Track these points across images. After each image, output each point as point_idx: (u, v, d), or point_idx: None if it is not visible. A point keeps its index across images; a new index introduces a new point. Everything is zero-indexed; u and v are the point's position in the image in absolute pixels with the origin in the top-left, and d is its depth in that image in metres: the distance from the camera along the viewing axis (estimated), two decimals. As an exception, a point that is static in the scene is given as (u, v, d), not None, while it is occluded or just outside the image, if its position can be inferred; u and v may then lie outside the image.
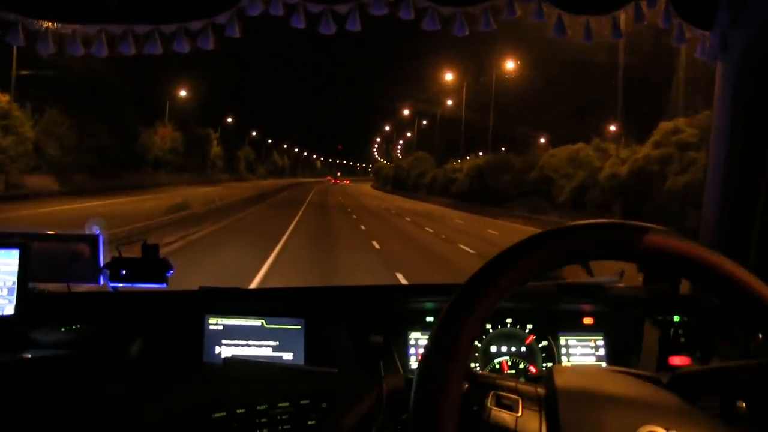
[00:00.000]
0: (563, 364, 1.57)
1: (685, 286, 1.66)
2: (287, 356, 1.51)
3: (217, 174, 58.86)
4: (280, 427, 1.25)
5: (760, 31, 1.51)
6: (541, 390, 0.86)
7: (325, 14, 1.41)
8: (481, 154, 42.22)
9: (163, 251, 1.62)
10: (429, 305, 1.59)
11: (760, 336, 1.40)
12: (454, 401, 0.75)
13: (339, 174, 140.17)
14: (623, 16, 1.54)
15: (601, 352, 1.60)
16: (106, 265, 1.56)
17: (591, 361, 1.59)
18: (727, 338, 1.53)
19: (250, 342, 1.51)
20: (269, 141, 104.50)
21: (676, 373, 1.01)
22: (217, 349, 1.50)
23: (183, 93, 48.28)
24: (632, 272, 1.56)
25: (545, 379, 0.88)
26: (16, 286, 1.34)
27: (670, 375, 1.00)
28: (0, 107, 23.97)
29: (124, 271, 1.55)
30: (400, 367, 1.50)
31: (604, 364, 1.59)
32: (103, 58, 1.38)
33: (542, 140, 37.12)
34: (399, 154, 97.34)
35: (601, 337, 1.61)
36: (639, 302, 1.61)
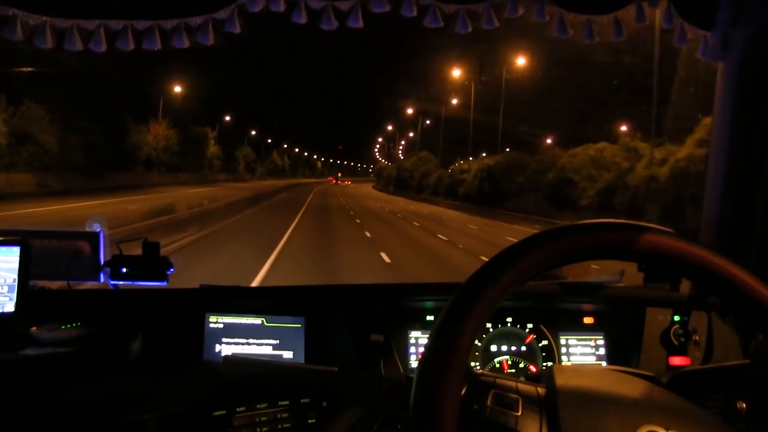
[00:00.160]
0: (563, 363, 1.57)
1: (685, 286, 1.66)
2: (287, 355, 1.51)
3: (215, 174, 57.03)
4: (280, 426, 1.25)
5: (760, 30, 1.51)
6: (541, 389, 0.86)
7: (326, 10, 1.41)
8: (484, 155, 41.53)
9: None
10: (429, 304, 1.59)
11: (760, 336, 1.40)
12: (454, 400, 0.75)
13: (339, 174, 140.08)
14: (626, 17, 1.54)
15: (602, 351, 1.60)
16: (106, 263, 1.55)
17: (591, 360, 1.59)
18: (727, 338, 1.52)
19: (251, 340, 1.51)
20: (269, 141, 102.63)
21: (676, 373, 1.01)
22: (218, 348, 1.50)
23: (177, 89, 45.74)
24: (633, 272, 1.55)
25: (545, 378, 0.88)
26: (16, 284, 1.34)
27: (670, 375, 1.00)
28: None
29: (124, 269, 1.55)
30: (400, 366, 1.50)
31: (604, 364, 1.59)
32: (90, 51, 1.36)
33: (549, 140, 36.64)
34: (400, 155, 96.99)
35: (602, 337, 1.61)
36: (639, 302, 1.60)
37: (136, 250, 1.58)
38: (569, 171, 25.29)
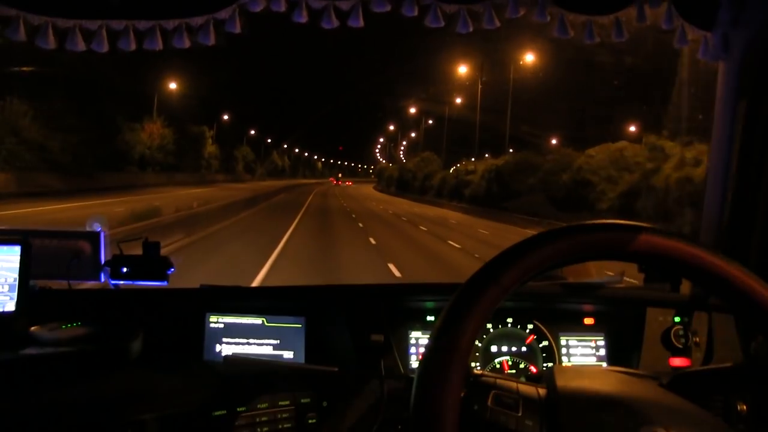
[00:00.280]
0: (564, 364, 1.57)
1: (686, 287, 1.66)
2: (288, 355, 1.51)
3: (213, 174, 55.33)
4: (280, 426, 1.26)
5: (761, 30, 1.51)
6: (541, 390, 0.86)
7: (327, 10, 1.41)
8: (487, 155, 40.63)
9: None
10: (430, 304, 1.58)
11: (761, 337, 1.40)
12: (454, 401, 0.75)
13: (340, 175, 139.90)
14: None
15: (602, 352, 1.60)
16: (107, 263, 1.55)
17: (591, 361, 1.59)
18: (728, 339, 1.52)
19: (251, 340, 1.51)
20: (268, 141, 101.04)
21: (677, 374, 1.01)
22: (218, 347, 1.50)
23: (173, 86, 44.04)
24: (633, 272, 1.55)
25: (546, 379, 0.88)
26: (17, 283, 1.34)
27: (671, 375, 1.00)
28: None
29: (125, 269, 1.55)
30: (400, 366, 1.50)
31: (604, 364, 1.59)
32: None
33: (554, 141, 35.67)
34: (402, 156, 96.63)
35: (602, 337, 1.61)
36: (640, 302, 1.60)
37: (137, 250, 1.58)
38: (587, 172, 23.64)
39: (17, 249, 1.34)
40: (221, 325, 1.50)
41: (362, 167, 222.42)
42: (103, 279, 1.56)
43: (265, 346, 1.51)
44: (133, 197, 23.97)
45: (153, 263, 1.57)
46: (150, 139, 40.02)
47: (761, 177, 1.55)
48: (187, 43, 1.38)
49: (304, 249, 12.82)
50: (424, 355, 0.80)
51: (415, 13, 1.43)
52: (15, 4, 1.29)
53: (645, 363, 1.52)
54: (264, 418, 1.25)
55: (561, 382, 0.84)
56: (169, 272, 1.57)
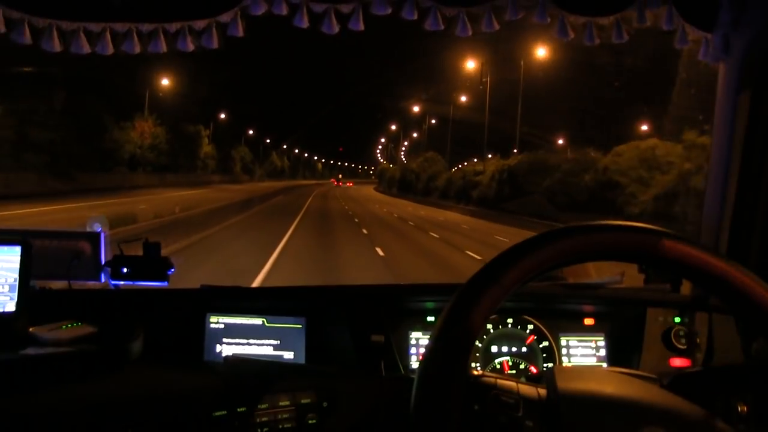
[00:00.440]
0: (564, 364, 1.57)
1: (686, 287, 1.66)
2: (288, 355, 1.51)
3: (209, 175, 52.10)
4: (280, 426, 1.26)
5: (761, 31, 1.51)
6: (541, 391, 0.86)
7: (328, 14, 1.42)
8: (490, 156, 39.24)
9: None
10: (430, 305, 1.59)
11: (761, 338, 1.40)
12: (455, 401, 0.75)
13: (340, 176, 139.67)
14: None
15: (602, 352, 1.60)
16: (107, 263, 1.56)
17: (592, 361, 1.59)
18: (728, 340, 1.52)
19: (251, 341, 1.51)
20: (267, 141, 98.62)
21: (677, 374, 1.01)
22: (218, 348, 1.50)
23: (165, 82, 40.41)
24: (633, 273, 1.55)
25: (546, 379, 0.88)
26: (17, 283, 1.34)
27: (671, 376, 1.00)
28: None
29: (125, 269, 1.55)
30: (401, 367, 1.51)
31: (604, 365, 1.59)
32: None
33: (560, 141, 35.12)
34: (403, 156, 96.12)
35: (602, 338, 1.61)
36: (640, 303, 1.60)
37: (137, 251, 1.59)
38: (614, 173, 21.26)
39: (17, 249, 1.35)
40: (221, 326, 1.51)
41: (362, 168, 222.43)
42: (103, 279, 1.56)
43: (265, 347, 1.51)
44: (115, 200, 22.26)
45: (153, 263, 1.57)
46: (141, 138, 37.56)
47: (762, 177, 1.56)
48: (190, 46, 1.39)
49: (300, 266, 10.50)
50: (424, 355, 0.80)
51: (415, 16, 1.43)
52: (19, 7, 1.29)
53: (645, 363, 1.53)
54: (264, 419, 1.25)
55: (561, 382, 0.84)
56: (170, 272, 1.58)
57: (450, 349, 0.77)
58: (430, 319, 1.57)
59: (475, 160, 45.68)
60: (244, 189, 41.69)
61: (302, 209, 26.30)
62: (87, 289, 1.58)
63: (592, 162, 24.15)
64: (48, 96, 25.86)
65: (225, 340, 1.50)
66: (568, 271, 1.76)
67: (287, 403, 1.27)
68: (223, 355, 1.49)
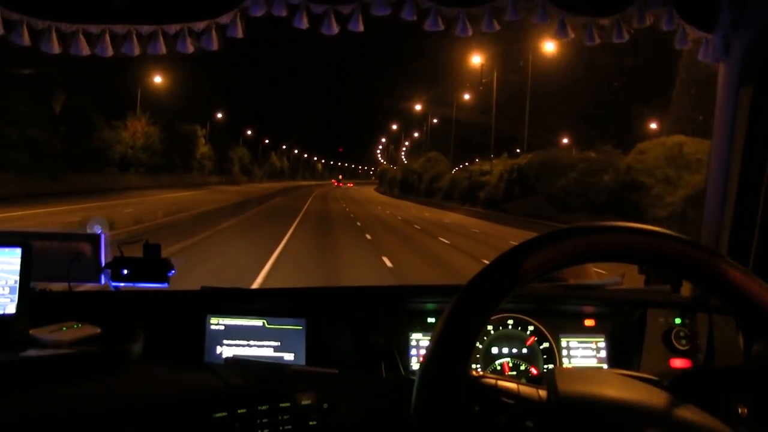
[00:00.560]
0: (564, 365, 1.57)
1: (686, 289, 1.66)
2: (288, 356, 1.51)
3: (205, 176, 51.33)
4: (281, 428, 1.26)
5: (761, 32, 1.51)
6: (542, 392, 0.86)
7: (327, 15, 1.42)
8: (492, 156, 37.96)
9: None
10: (430, 306, 1.59)
11: (762, 339, 1.40)
12: (455, 403, 0.75)
13: (341, 177, 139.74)
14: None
15: (603, 353, 1.60)
16: (107, 265, 1.56)
17: (592, 362, 1.59)
18: (729, 341, 1.52)
19: (252, 342, 1.51)
20: (266, 141, 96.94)
21: (678, 376, 1.01)
22: (219, 349, 1.50)
23: (158, 80, 38.69)
24: (634, 274, 1.55)
25: (547, 381, 0.88)
26: (17, 285, 1.34)
27: (672, 377, 1.00)
28: None
29: (125, 271, 1.55)
30: (401, 368, 1.50)
31: (605, 366, 1.59)
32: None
33: (565, 140, 34.28)
34: (403, 157, 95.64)
35: (603, 339, 1.61)
36: (640, 304, 1.60)
37: (138, 252, 1.59)
38: (639, 172, 19.32)
39: (18, 251, 1.35)
40: (222, 327, 1.51)
41: (362, 169, 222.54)
42: (103, 281, 1.56)
43: (265, 348, 1.51)
44: (100, 203, 20.88)
45: (154, 265, 1.57)
46: (133, 138, 36.52)
47: (762, 178, 1.56)
48: (190, 48, 1.39)
49: (297, 284, 8.34)
50: (425, 357, 0.80)
51: (415, 17, 1.43)
52: (19, 8, 1.29)
53: (646, 364, 1.52)
54: (264, 420, 1.25)
55: (562, 384, 0.84)
56: (170, 274, 1.58)
57: (450, 351, 0.77)
58: (431, 320, 1.57)
59: (477, 160, 45.09)
60: (241, 190, 40.14)
61: (300, 212, 25.00)
62: (87, 290, 1.58)
63: (611, 161, 22.36)
64: (30, 92, 24.75)
65: (225, 341, 1.50)
66: (568, 273, 1.76)
67: (287, 404, 1.27)
68: (224, 356, 1.49)
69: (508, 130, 36.74)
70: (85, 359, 1.24)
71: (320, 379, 1.35)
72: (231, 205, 22.25)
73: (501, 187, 30.03)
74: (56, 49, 1.33)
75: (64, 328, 1.32)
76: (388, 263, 11.13)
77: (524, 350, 1.57)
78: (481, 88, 42.15)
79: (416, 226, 21.60)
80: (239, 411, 1.23)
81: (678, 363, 1.54)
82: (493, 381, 0.87)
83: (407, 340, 1.56)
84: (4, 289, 1.33)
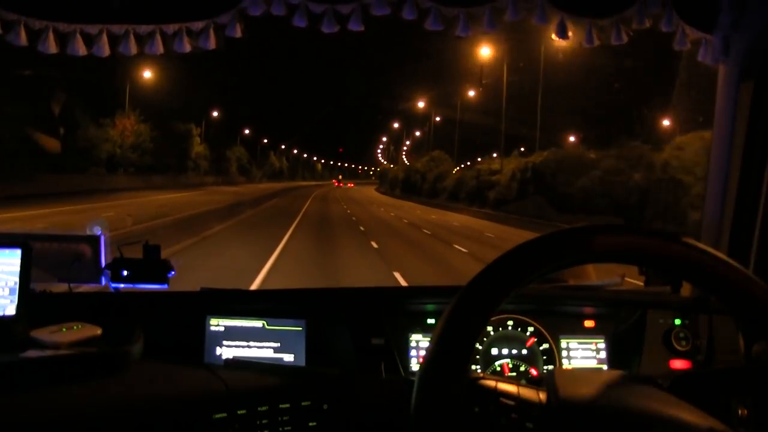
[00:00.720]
0: (564, 366, 1.57)
1: (686, 289, 1.66)
2: (288, 357, 1.51)
3: (201, 177, 48.97)
4: (280, 429, 1.25)
5: (761, 32, 1.51)
6: (542, 393, 0.86)
7: (327, 14, 1.42)
8: (495, 155, 37.08)
9: None
10: (430, 307, 1.58)
11: (763, 340, 1.40)
12: (455, 404, 0.75)
13: (341, 177, 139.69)
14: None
15: (602, 354, 1.60)
16: (107, 266, 1.56)
17: (592, 363, 1.59)
18: (729, 342, 1.52)
19: (252, 343, 1.51)
20: (265, 141, 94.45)
21: (677, 377, 1.00)
22: (218, 350, 1.50)
23: (148, 74, 35.88)
24: (633, 275, 1.55)
25: (546, 382, 0.88)
26: (17, 286, 1.34)
27: (672, 378, 1.00)
28: None
29: (125, 272, 1.55)
30: (401, 369, 1.50)
31: (605, 367, 1.59)
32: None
33: (572, 138, 32.61)
34: (404, 156, 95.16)
35: (602, 340, 1.61)
36: (640, 305, 1.60)
37: (137, 253, 1.59)
38: (677, 170, 17.40)
39: (18, 252, 1.35)
40: (222, 328, 1.50)
41: (362, 169, 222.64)
42: (103, 282, 1.56)
43: (265, 349, 1.51)
44: (77, 207, 18.51)
45: (153, 266, 1.57)
46: (121, 137, 34.28)
47: (762, 178, 1.56)
48: (187, 48, 1.39)
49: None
50: (424, 358, 0.80)
51: (415, 16, 1.43)
52: (16, 9, 1.29)
53: (646, 365, 1.52)
54: (264, 421, 1.25)
55: (561, 385, 0.84)
56: (170, 275, 1.57)
57: (450, 352, 0.77)
58: (431, 321, 1.57)
59: (479, 159, 44.26)
60: (238, 191, 38.18)
61: (299, 214, 23.03)
62: (87, 291, 1.58)
63: (641, 157, 20.21)
64: (9, 87, 22.82)
65: (225, 342, 1.50)
66: (568, 273, 1.76)
67: (287, 405, 1.27)
68: (224, 357, 1.49)
69: (509, 130, 36.34)
70: (85, 360, 1.24)
71: (320, 381, 1.35)
72: (223, 207, 20.30)
73: (513, 187, 28.14)
74: (53, 49, 1.33)
75: (64, 329, 1.32)
76: (402, 281, 9.48)
77: (524, 351, 1.57)
78: (481, 88, 41.99)
79: (425, 231, 19.34)
80: (239, 412, 1.22)
81: (678, 364, 1.54)
82: (492, 382, 0.87)
83: (407, 341, 1.56)
84: (3, 290, 1.33)
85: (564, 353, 1.58)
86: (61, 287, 1.54)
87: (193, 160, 48.38)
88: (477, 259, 12.61)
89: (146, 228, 12.45)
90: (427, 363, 0.78)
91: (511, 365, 1.56)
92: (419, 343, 1.56)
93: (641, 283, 1.72)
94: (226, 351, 1.50)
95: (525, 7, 1.47)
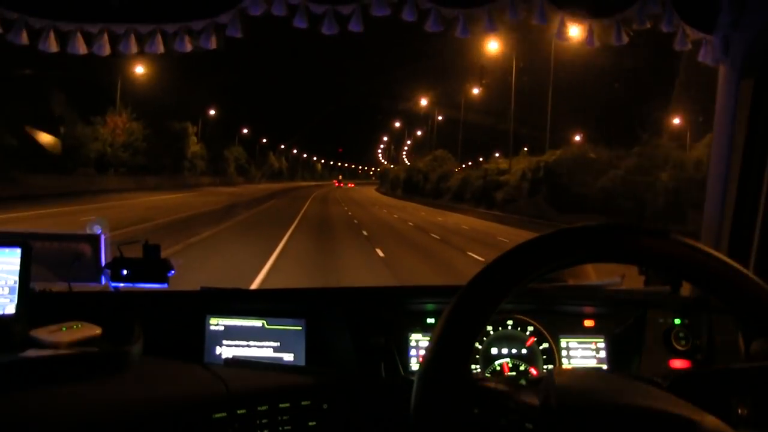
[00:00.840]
0: (564, 366, 1.57)
1: (686, 289, 1.66)
2: (288, 357, 1.51)
3: (197, 177, 46.98)
4: (280, 428, 1.26)
5: (761, 32, 1.52)
6: (541, 393, 0.86)
7: (327, 15, 1.42)
8: (498, 155, 36.15)
9: None
10: (430, 307, 1.59)
11: (761, 338, 1.40)
12: (455, 404, 0.75)
13: (341, 177, 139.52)
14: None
15: (602, 354, 1.60)
16: (107, 265, 1.56)
17: (592, 363, 1.59)
18: (729, 341, 1.52)
19: (251, 343, 1.51)
20: (264, 141, 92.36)
21: (677, 376, 1.00)
22: (218, 350, 1.50)
23: (140, 69, 33.24)
24: (633, 274, 1.55)
25: (546, 382, 0.88)
26: (17, 285, 1.34)
27: (671, 378, 1.00)
28: None
29: (125, 271, 1.55)
30: (401, 369, 1.50)
31: (605, 367, 1.59)
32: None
33: (577, 138, 31.31)
34: (404, 157, 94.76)
35: (602, 340, 1.61)
36: (640, 304, 1.60)
37: (137, 253, 1.59)
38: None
39: (18, 251, 1.35)
40: (221, 328, 1.50)
41: (362, 169, 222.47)
42: (103, 281, 1.56)
43: (265, 349, 1.51)
44: (56, 210, 17.12)
45: (153, 265, 1.57)
46: (112, 135, 32.54)
47: (762, 178, 1.56)
48: (188, 47, 1.39)
49: None
50: (424, 357, 0.80)
51: (415, 17, 1.43)
52: (17, 8, 1.29)
53: (645, 365, 1.52)
54: (264, 421, 1.25)
55: (561, 385, 0.84)
56: (170, 274, 1.57)
57: (450, 352, 0.77)
58: (430, 321, 1.57)
59: (480, 159, 43.52)
60: (234, 192, 37.23)
61: (297, 217, 21.03)
62: (87, 291, 1.58)
63: (669, 156, 19.09)
64: None
65: (225, 342, 1.50)
66: (568, 273, 1.76)
67: (287, 405, 1.27)
68: (223, 357, 1.49)
69: (508, 130, 36.06)
70: (84, 360, 1.24)
71: (320, 380, 1.35)
72: (215, 210, 19.20)
73: (524, 187, 26.55)
74: (54, 48, 1.33)
75: (64, 329, 1.32)
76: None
77: (524, 351, 1.57)
78: (481, 88, 41.82)
79: (433, 235, 17.67)
80: (239, 411, 1.22)
81: (678, 363, 1.54)
82: (492, 383, 0.87)
83: (407, 341, 1.56)
84: (3, 290, 1.33)
85: (564, 353, 1.58)
86: (61, 286, 1.54)
87: (189, 160, 46.14)
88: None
89: (123, 235, 10.88)
90: (427, 362, 0.78)
91: (510, 365, 1.56)
92: (419, 342, 1.56)
93: (641, 283, 1.72)
94: (226, 350, 1.50)
95: (525, 8, 1.47)
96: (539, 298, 1.61)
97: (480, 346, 1.56)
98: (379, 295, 1.71)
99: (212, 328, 1.50)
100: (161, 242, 1.55)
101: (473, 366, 1.54)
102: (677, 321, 1.57)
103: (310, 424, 1.27)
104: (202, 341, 1.49)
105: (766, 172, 1.55)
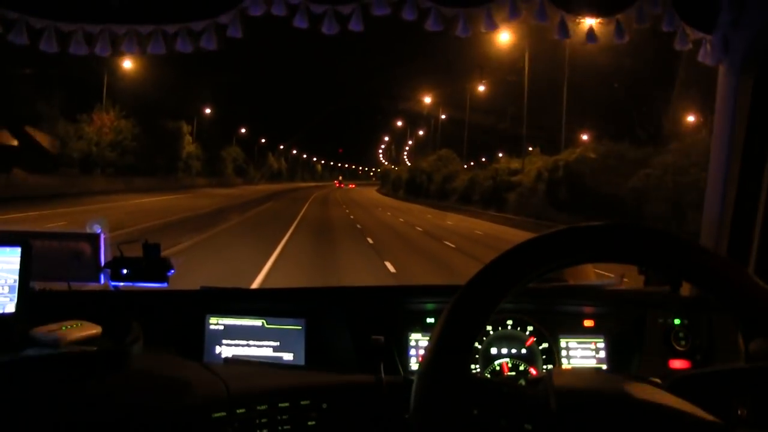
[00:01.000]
0: (564, 366, 1.57)
1: (686, 289, 1.66)
2: (288, 356, 1.51)
3: (192, 178, 45.25)
4: (280, 428, 1.26)
5: (760, 31, 1.52)
6: (541, 393, 0.86)
7: (327, 15, 1.42)
8: (501, 155, 34.72)
9: None
10: (430, 306, 1.59)
11: (761, 338, 1.40)
12: (454, 403, 0.75)
13: (341, 177, 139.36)
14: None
15: (602, 354, 1.60)
16: (107, 264, 1.56)
17: (591, 363, 1.59)
18: (728, 341, 1.52)
19: (251, 342, 1.51)
20: (263, 141, 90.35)
21: (677, 377, 1.00)
22: (218, 349, 1.50)
23: (128, 64, 30.23)
24: (633, 274, 1.55)
25: (545, 382, 0.88)
26: (17, 284, 1.34)
27: (671, 378, 1.00)
28: None
29: (125, 270, 1.55)
30: (400, 368, 1.50)
31: (604, 367, 1.59)
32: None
33: (584, 137, 29.10)
34: (405, 157, 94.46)
35: (602, 340, 1.61)
36: (640, 305, 1.60)
37: (137, 252, 1.59)
38: None
39: (17, 250, 1.34)
40: (221, 327, 1.51)
41: (363, 170, 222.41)
42: (103, 280, 1.56)
43: (265, 348, 1.51)
44: (20, 215, 15.33)
45: (153, 265, 1.57)
46: (98, 134, 30.79)
47: (762, 178, 1.56)
48: (189, 48, 1.39)
49: None
50: (424, 357, 0.80)
51: (415, 16, 1.43)
52: (17, 8, 1.29)
53: (645, 365, 1.52)
54: (264, 420, 1.25)
55: (560, 385, 0.84)
56: (169, 274, 1.57)
57: (450, 351, 0.77)
58: (430, 320, 1.57)
59: (483, 159, 42.60)
60: (230, 194, 35.65)
61: (294, 222, 19.08)
62: (87, 290, 1.58)
63: (707, 153, 15.71)
64: None
65: (224, 341, 1.50)
66: (568, 273, 1.76)
67: (286, 404, 1.27)
68: (223, 356, 1.49)
69: (512, 130, 35.26)
70: (84, 359, 1.24)
71: (319, 379, 1.35)
72: (205, 214, 17.73)
73: (540, 189, 24.22)
74: (55, 48, 1.33)
75: (64, 328, 1.32)
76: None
77: (523, 351, 1.57)
78: (482, 88, 41.72)
79: (447, 243, 15.62)
80: (238, 411, 1.23)
81: (677, 363, 1.54)
82: (492, 383, 0.87)
83: (406, 341, 1.56)
84: (3, 288, 1.33)
85: (563, 353, 1.58)
86: (61, 285, 1.54)
87: (183, 161, 44.09)
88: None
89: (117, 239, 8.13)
90: (427, 362, 0.78)
91: (510, 365, 1.56)
92: (419, 342, 1.56)
93: (641, 283, 1.72)
94: (226, 350, 1.50)
95: (524, 6, 1.47)
96: (539, 298, 1.61)
97: (480, 346, 1.56)
98: (379, 295, 1.71)
99: (212, 327, 1.50)
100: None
101: (473, 366, 1.54)
102: (677, 321, 1.57)
103: (310, 423, 1.27)
104: (201, 340, 1.49)
105: (765, 172, 1.55)
